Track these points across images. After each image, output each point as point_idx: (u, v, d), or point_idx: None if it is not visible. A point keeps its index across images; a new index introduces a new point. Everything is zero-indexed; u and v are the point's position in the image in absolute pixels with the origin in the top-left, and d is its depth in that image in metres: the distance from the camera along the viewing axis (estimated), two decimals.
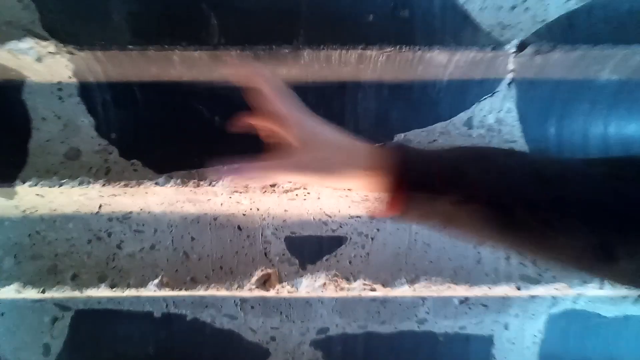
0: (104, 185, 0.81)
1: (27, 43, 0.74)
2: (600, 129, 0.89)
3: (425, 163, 0.49)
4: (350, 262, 0.90)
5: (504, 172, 0.46)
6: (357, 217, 0.94)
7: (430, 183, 0.47)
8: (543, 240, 0.45)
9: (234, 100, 0.82)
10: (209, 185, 0.83)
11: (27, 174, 0.80)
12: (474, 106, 0.86)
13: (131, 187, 0.82)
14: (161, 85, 0.80)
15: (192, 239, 0.89)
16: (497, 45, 0.79)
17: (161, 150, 0.84)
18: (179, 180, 0.83)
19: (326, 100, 0.84)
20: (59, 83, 0.79)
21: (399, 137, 0.87)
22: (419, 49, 0.78)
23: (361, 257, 0.90)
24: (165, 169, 0.84)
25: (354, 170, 0.48)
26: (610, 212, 0.41)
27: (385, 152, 0.51)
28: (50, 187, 0.80)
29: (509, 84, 0.85)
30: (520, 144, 0.88)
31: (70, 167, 0.81)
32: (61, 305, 0.94)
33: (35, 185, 0.80)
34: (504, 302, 0.98)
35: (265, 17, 0.77)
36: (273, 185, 0.85)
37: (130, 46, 0.75)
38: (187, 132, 0.84)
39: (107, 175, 0.82)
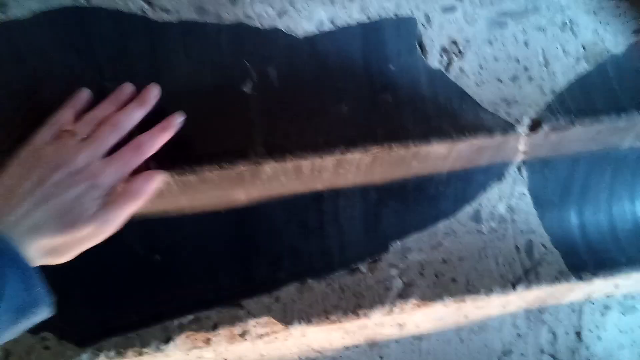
0: None
1: None
2: (626, 202, 0.73)
3: None
4: None
5: None
6: (355, 346, 0.72)
7: None
8: None
9: (174, 232, 0.59)
10: (157, 350, 0.59)
11: None
12: (480, 196, 0.68)
13: None
14: None
15: None
16: (507, 127, 0.61)
17: (82, 311, 0.59)
18: (112, 352, 0.59)
19: (298, 214, 0.63)
20: None
21: (396, 245, 0.66)
22: (413, 144, 0.58)
23: None
24: (90, 338, 0.59)
25: None
26: None
27: None
28: None
29: (520, 166, 0.67)
30: (539, 235, 0.69)
31: None
32: None
33: None
34: None
35: (207, 124, 0.55)
36: (243, 334, 0.62)
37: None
38: (118, 281, 0.60)
39: None
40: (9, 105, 0.53)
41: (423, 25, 0.63)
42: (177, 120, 0.51)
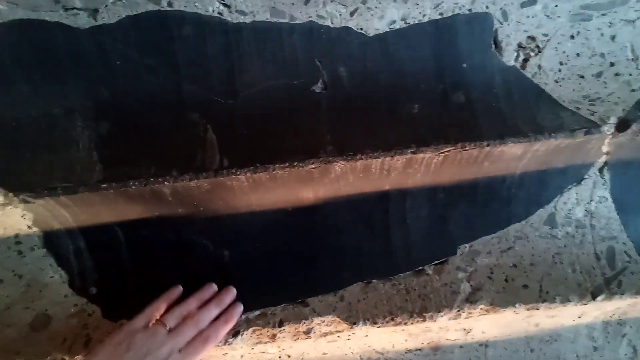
0: None
1: None
2: None
3: None
4: None
5: None
6: (417, 350, 0.70)
7: None
8: None
9: (244, 228, 0.62)
10: (225, 343, 0.60)
11: None
12: (555, 199, 0.64)
13: None
14: (150, 222, 0.58)
15: None
16: (590, 127, 0.57)
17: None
18: None
19: (364, 214, 0.62)
20: (17, 236, 0.58)
21: (463, 248, 0.64)
22: (487, 145, 0.56)
23: None
24: None
25: None
26: None
27: None
28: None
29: (601, 168, 0.63)
30: (622, 242, 0.65)
31: (36, 342, 0.59)
32: None
33: None
34: None
35: (279, 124, 0.56)
36: (308, 332, 0.62)
37: (103, 185, 0.53)
38: (189, 276, 0.62)
39: (87, 346, 0.59)
40: (95, 105, 0.56)
41: (499, 21, 0.60)
42: (238, 312, 0.60)
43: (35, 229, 0.60)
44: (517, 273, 0.66)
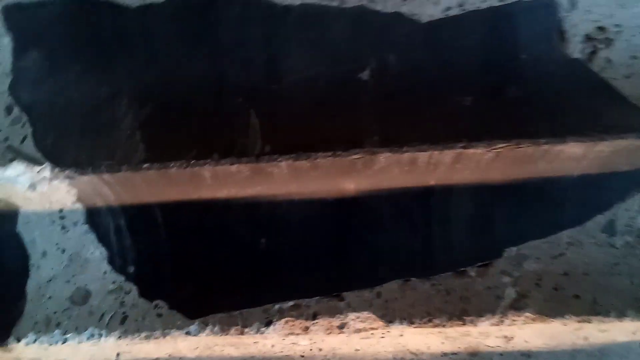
0: (119, 337, 0.59)
1: (16, 169, 0.54)
2: None
3: None
4: None
5: None
6: (453, 354, 0.67)
7: None
8: None
9: (281, 216, 0.59)
10: (257, 332, 0.59)
11: (23, 328, 0.60)
12: (616, 206, 0.59)
13: (155, 338, 0.59)
14: (189, 205, 0.58)
15: None
16: None
17: (192, 285, 0.62)
18: (216, 328, 0.61)
19: (406, 209, 0.59)
20: (61, 210, 0.59)
21: (510, 251, 0.60)
22: (545, 142, 0.51)
23: None
24: (198, 311, 0.61)
25: None
26: None
27: None
28: (51, 344, 0.59)
29: None
30: None
31: (76, 316, 0.60)
32: None
33: (33, 342, 0.59)
34: None
35: (323, 111, 0.54)
36: (342, 327, 0.60)
37: (145, 165, 0.53)
38: (225, 261, 0.62)
39: (123, 324, 0.60)
40: (139, 88, 0.56)
41: (565, 9, 0.55)
42: None
43: (78, 205, 0.61)
44: (568, 282, 0.62)
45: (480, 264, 0.62)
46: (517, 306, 0.60)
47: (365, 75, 0.55)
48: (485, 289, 0.62)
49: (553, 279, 0.62)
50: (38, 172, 0.56)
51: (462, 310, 0.61)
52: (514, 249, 0.62)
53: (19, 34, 0.56)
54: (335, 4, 0.54)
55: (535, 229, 0.63)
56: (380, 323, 0.61)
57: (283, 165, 0.55)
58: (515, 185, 0.61)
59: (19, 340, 0.61)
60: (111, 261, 0.63)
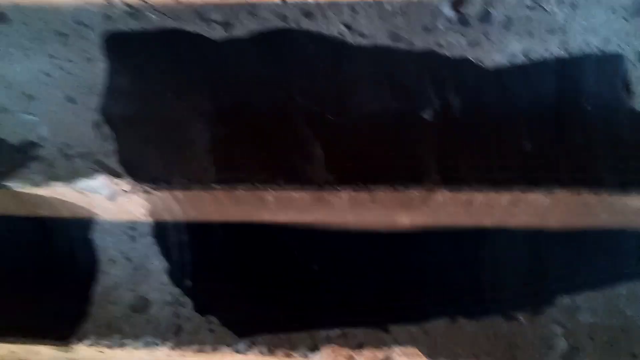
0: (172, 348, 0.62)
1: (100, 181, 0.59)
2: None
3: None
4: None
5: None
6: None
7: None
8: None
9: (336, 245, 0.61)
10: (303, 356, 0.61)
11: (87, 331, 0.64)
12: None
13: (205, 352, 0.62)
14: (248, 227, 0.61)
15: None
16: None
17: (243, 305, 0.64)
18: (264, 349, 0.62)
19: (459, 248, 0.60)
20: (132, 222, 0.64)
21: (563, 300, 0.59)
22: (607, 193, 0.51)
23: None
24: (248, 330, 0.64)
25: None
26: None
27: None
28: (110, 348, 0.62)
29: None
30: None
31: (135, 323, 0.63)
32: None
33: (94, 344, 0.62)
34: None
35: (385, 146, 0.56)
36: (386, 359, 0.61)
37: (215, 185, 0.57)
38: (277, 283, 0.64)
39: (177, 335, 0.63)
40: (216, 111, 0.60)
41: (633, 63, 0.56)
42: None
43: (148, 218, 0.66)
44: (624, 338, 0.60)
45: (531, 310, 0.62)
46: (569, 358, 0.59)
47: (428, 114, 0.57)
48: (535, 337, 0.61)
49: (608, 334, 0.60)
50: (118, 184, 0.61)
51: (510, 357, 0.60)
52: (567, 298, 0.61)
53: (114, 59, 0.62)
54: (404, 46, 0.57)
55: (592, 280, 0.62)
56: (425, 359, 0.61)
57: (343, 196, 0.57)
58: (572, 233, 0.61)
59: (81, 340, 0.65)
60: (171, 274, 0.67)
